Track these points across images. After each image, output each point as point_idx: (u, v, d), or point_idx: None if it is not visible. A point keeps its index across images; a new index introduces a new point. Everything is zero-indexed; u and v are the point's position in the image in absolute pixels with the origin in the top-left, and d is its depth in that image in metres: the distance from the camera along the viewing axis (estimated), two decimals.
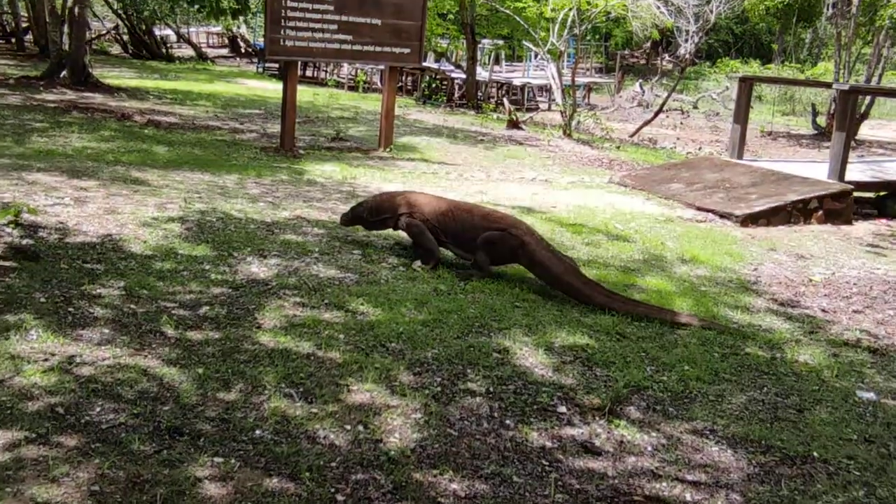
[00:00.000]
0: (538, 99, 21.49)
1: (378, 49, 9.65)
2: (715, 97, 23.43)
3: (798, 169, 8.93)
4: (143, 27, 23.74)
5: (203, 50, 26.39)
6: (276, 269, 4.74)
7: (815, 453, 3.23)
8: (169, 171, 7.37)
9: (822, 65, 24.74)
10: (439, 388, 3.43)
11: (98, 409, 2.99)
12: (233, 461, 2.75)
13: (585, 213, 7.18)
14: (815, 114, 19.50)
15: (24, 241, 4.69)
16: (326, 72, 21.54)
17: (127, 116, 11.06)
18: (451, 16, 19.34)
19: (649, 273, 5.54)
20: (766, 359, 4.20)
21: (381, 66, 13.46)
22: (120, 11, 22.75)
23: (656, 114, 16.69)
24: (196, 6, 14.24)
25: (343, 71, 21.24)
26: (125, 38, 24.42)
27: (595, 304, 4.66)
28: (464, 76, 19.12)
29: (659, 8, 16.33)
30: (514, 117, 14.50)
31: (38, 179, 6.31)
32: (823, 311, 5.16)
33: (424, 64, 16.79)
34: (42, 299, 3.92)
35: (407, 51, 9.79)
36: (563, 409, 3.39)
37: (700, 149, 15.07)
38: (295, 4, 9.10)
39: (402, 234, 5.35)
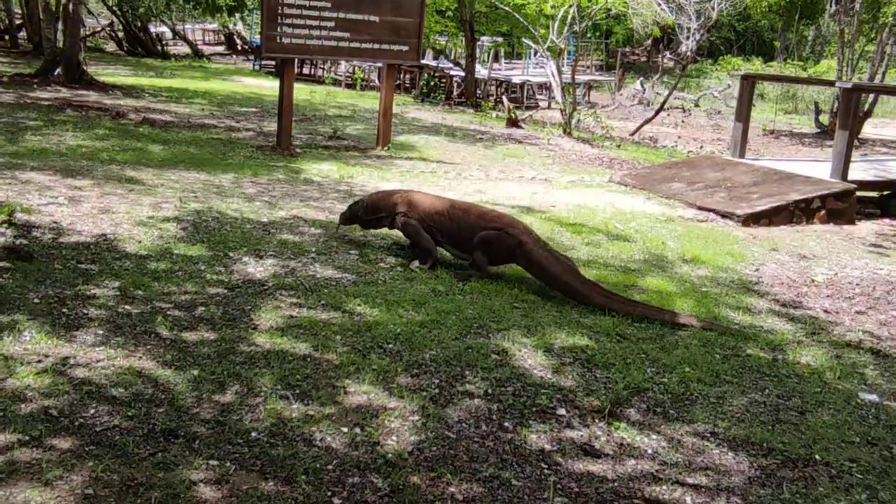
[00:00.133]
0: (538, 97, 21.46)
1: (376, 46, 9.61)
2: (716, 95, 23.39)
3: (800, 168, 8.89)
4: (139, 24, 23.66)
5: (199, 47, 26.29)
6: (273, 269, 4.71)
7: (817, 456, 3.20)
8: (164, 170, 7.34)
9: (824, 62, 24.72)
10: (437, 390, 3.40)
11: (92, 412, 2.96)
12: (228, 464, 2.73)
13: (585, 212, 7.14)
14: (817, 112, 19.45)
15: (18, 241, 4.66)
16: (324, 69, 21.48)
17: (122, 114, 11.02)
18: (449, 13, 19.28)
19: (650, 273, 5.51)
20: (768, 360, 4.17)
21: (379, 64, 13.42)
22: (115, 8, 22.67)
23: (657, 112, 16.66)
24: (192, 3, 14.17)
25: (340, 68, 21.19)
26: (120, 35, 24.33)
27: (593, 304, 4.63)
28: (463, 74, 19.07)
29: (660, 5, 16.31)
30: (514, 115, 14.45)
31: (32, 178, 6.27)
32: (826, 311, 5.13)
33: (423, 61, 16.72)
34: (36, 300, 3.89)
35: (405, 48, 9.75)
36: (562, 411, 3.36)
37: (701, 147, 15.04)
38: (292, 1, 9.06)
39: (399, 233, 5.32)
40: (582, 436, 3.19)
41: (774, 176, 8.45)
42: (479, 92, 18.94)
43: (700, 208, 7.75)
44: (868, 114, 17.80)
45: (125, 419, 2.93)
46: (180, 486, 2.58)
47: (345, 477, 2.73)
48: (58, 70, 14.08)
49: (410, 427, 3.10)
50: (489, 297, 4.64)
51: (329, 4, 9.25)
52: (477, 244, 4.92)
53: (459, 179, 8.50)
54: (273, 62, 20.10)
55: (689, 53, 18.71)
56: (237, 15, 20.77)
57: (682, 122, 19.95)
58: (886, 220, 8.35)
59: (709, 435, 3.29)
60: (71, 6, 13.76)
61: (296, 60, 11.56)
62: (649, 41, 33.10)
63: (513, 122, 14.16)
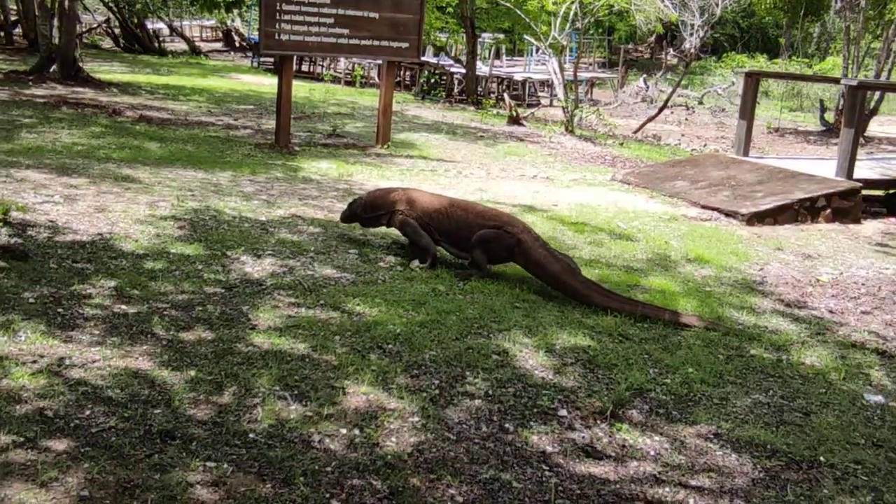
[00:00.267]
0: (539, 94, 21.42)
1: (375, 43, 9.56)
2: (721, 92, 23.31)
3: (805, 166, 8.85)
4: (135, 20, 23.59)
5: (196, 44, 26.20)
6: (271, 268, 4.68)
7: (821, 458, 3.17)
8: (161, 169, 7.31)
9: (830, 59, 24.64)
10: (437, 391, 3.37)
11: (88, 413, 2.94)
12: (225, 466, 2.71)
13: (588, 211, 7.11)
14: (822, 110, 19.38)
15: (13, 240, 4.63)
16: (323, 66, 21.43)
17: (118, 112, 10.98)
18: (450, 9, 19.20)
19: (653, 273, 5.47)
20: (772, 361, 4.13)
21: (379, 61, 13.37)
22: (111, 4, 22.59)
23: (660, 110, 16.61)
24: None
25: (340, 65, 21.13)
26: (116, 31, 24.22)
27: (593, 303, 4.59)
28: (463, 71, 19.02)
29: (663, 1, 16.25)
30: (515, 113, 14.40)
31: (27, 177, 6.25)
32: (831, 312, 5.09)
33: (423, 58, 16.65)
34: (31, 299, 3.86)
35: (405, 45, 9.70)
36: (563, 412, 3.33)
37: (705, 145, 15.00)
38: None
39: (397, 231, 5.28)
40: (584, 437, 3.15)
41: (779, 174, 8.40)
42: (480, 89, 18.87)
43: (704, 207, 7.72)
44: (874, 111, 17.70)
45: (121, 420, 2.91)
46: (177, 488, 2.56)
47: (344, 479, 2.71)
48: (53, 67, 14.02)
49: (410, 428, 3.07)
50: (490, 296, 4.61)
51: (328, 1, 9.20)
52: (476, 243, 4.88)
53: (460, 178, 8.46)
54: (271, 59, 20.03)
55: (692, 50, 18.62)
56: (235, 11, 20.73)
57: (686, 119, 19.89)
58: (892, 219, 8.30)
59: (712, 436, 3.26)
60: (67, 2, 13.71)
61: (294, 57, 11.50)
62: (652, 38, 33.05)
63: (514, 120, 14.11)
